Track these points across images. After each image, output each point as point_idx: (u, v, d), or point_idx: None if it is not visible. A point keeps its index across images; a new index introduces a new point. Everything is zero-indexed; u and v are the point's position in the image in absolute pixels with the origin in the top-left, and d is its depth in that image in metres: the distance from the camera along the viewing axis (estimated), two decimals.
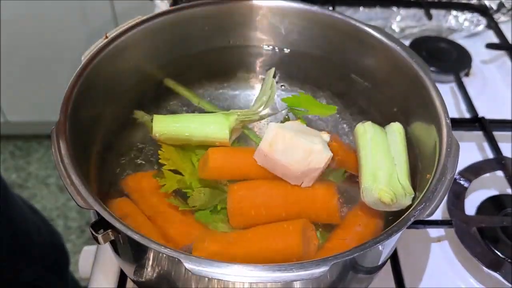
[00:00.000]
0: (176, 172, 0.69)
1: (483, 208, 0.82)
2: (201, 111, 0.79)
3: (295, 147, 0.64)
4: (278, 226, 0.63)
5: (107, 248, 0.74)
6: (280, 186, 0.67)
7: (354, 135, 0.71)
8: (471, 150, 0.94)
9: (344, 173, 0.71)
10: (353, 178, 0.71)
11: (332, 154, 0.65)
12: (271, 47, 0.87)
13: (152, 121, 0.72)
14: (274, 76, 0.81)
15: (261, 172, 0.67)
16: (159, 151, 0.70)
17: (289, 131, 0.65)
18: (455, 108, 1.01)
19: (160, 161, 0.69)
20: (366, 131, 0.70)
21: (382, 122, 0.73)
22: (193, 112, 0.79)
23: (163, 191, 0.66)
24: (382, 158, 0.67)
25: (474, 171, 0.85)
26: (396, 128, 0.71)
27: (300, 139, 0.64)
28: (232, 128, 0.71)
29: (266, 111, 0.77)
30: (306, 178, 0.66)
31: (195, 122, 0.72)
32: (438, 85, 0.71)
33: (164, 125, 0.71)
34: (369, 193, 0.64)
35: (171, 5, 1.14)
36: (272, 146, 0.65)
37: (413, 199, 0.65)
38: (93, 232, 0.55)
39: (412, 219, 0.56)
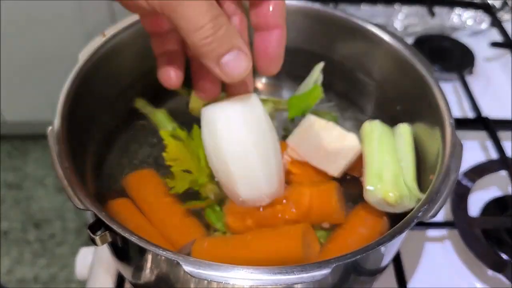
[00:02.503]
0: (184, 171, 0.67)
1: (487, 209, 0.81)
2: None
3: (331, 130, 0.69)
4: (278, 230, 0.62)
5: (104, 249, 0.73)
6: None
7: (361, 133, 0.71)
8: (474, 150, 0.93)
9: None
10: (354, 178, 0.71)
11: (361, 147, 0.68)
12: None
13: (154, 112, 0.74)
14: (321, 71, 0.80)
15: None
16: (164, 154, 0.67)
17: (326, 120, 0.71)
18: (459, 107, 1.01)
19: (167, 163, 0.67)
20: (373, 130, 0.69)
21: (385, 121, 0.72)
22: None
23: (173, 192, 0.65)
24: (389, 158, 0.66)
25: (478, 171, 0.84)
26: (404, 130, 0.70)
27: (336, 126, 0.70)
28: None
29: None
30: (334, 165, 0.67)
31: None
32: (441, 84, 0.70)
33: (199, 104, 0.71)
34: (373, 193, 0.63)
35: None
36: (308, 130, 0.70)
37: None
38: (91, 234, 0.54)
39: (416, 221, 0.55)
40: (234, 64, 0.52)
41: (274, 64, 0.59)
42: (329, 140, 0.68)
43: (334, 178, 0.68)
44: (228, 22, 0.51)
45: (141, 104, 0.76)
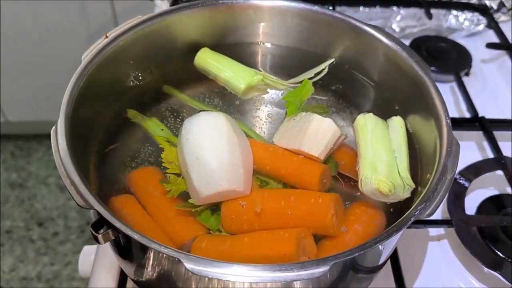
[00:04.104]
0: (178, 175, 0.68)
1: (483, 207, 0.82)
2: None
3: (308, 117, 0.71)
4: (274, 232, 0.63)
5: (107, 247, 0.74)
6: (273, 199, 0.66)
7: (354, 126, 0.72)
8: (471, 149, 0.93)
9: (336, 166, 0.71)
10: (351, 178, 0.71)
11: (341, 133, 0.70)
12: (271, 46, 0.87)
13: (145, 120, 0.75)
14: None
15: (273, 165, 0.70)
16: (162, 155, 0.69)
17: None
18: (455, 108, 1.01)
19: (163, 164, 0.69)
20: (367, 122, 0.70)
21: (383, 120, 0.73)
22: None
23: (169, 196, 0.66)
24: (382, 149, 0.67)
25: (474, 170, 0.84)
26: (397, 122, 0.72)
27: (314, 114, 0.71)
28: (251, 85, 0.79)
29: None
30: (314, 146, 0.68)
31: (225, 66, 0.81)
32: (438, 85, 0.71)
33: (203, 58, 0.82)
34: (368, 183, 0.65)
35: (171, 5, 1.14)
36: (289, 122, 0.73)
37: (414, 196, 0.65)
38: (93, 232, 0.55)
39: (413, 219, 0.56)
40: None
41: None
42: (308, 126, 0.70)
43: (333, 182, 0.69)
44: None
45: (132, 114, 0.76)
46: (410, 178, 0.65)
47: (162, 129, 0.75)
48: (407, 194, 0.64)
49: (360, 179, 0.66)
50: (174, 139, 0.72)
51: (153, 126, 0.75)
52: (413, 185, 0.64)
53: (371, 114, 0.71)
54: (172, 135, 0.74)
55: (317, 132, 0.69)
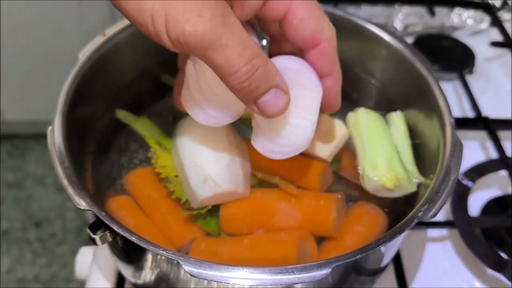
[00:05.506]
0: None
1: (487, 208, 0.81)
2: None
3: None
4: (274, 235, 0.62)
5: (105, 249, 0.73)
6: (273, 200, 0.65)
7: (347, 124, 0.71)
8: (474, 149, 0.93)
9: (338, 162, 0.70)
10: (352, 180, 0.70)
11: (349, 135, 0.69)
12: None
13: (136, 121, 0.73)
14: None
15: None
16: (152, 160, 0.68)
17: None
18: (458, 107, 1.00)
19: (156, 170, 0.67)
20: (359, 119, 0.70)
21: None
22: None
23: (174, 197, 0.65)
24: (380, 144, 0.67)
25: (478, 171, 0.83)
26: (396, 117, 0.71)
27: (323, 114, 0.68)
28: None
29: None
30: (322, 147, 0.67)
31: None
32: (441, 83, 0.70)
33: None
34: (370, 181, 0.64)
35: None
36: None
37: (416, 197, 0.64)
38: (91, 234, 0.54)
39: (416, 220, 0.55)
40: (272, 103, 0.51)
41: (332, 107, 0.62)
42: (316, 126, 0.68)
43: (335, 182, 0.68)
44: (264, 62, 0.49)
45: (122, 114, 0.74)
46: (417, 171, 0.65)
47: (154, 130, 0.73)
48: (413, 187, 0.63)
49: (363, 178, 0.65)
50: (164, 141, 0.70)
51: (144, 128, 0.73)
52: (422, 178, 0.64)
53: (362, 109, 0.71)
54: (166, 137, 0.72)
55: (327, 134, 0.68)
